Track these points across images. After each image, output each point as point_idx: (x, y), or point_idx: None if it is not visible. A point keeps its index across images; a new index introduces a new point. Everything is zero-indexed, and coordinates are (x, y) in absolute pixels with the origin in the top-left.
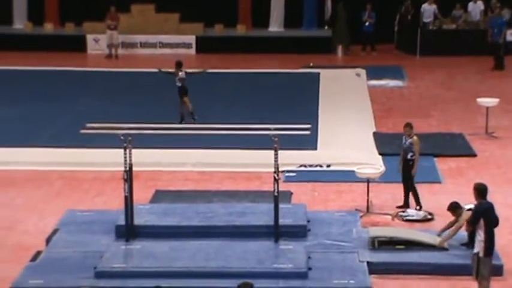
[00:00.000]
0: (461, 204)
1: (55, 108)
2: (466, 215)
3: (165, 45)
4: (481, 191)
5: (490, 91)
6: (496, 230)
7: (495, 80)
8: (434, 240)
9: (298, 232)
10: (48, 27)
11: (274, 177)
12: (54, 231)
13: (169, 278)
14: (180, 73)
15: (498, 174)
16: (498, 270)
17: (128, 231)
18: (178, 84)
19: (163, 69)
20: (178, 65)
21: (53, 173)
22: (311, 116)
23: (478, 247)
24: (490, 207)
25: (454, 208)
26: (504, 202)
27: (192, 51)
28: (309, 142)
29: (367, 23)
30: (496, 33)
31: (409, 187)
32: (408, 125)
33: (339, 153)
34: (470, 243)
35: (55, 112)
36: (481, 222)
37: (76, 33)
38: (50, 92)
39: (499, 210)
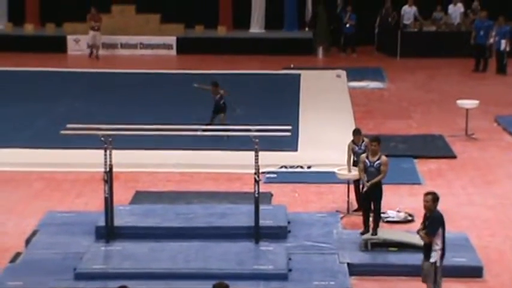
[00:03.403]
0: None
1: (35, 109)
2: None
3: (146, 46)
4: (437, 200)
5: (470, 93)
6: (476, 232)
7: (475, 81)
8: None
9: (279, 233)
10: (29, 28)
11: (255, 179)
12: (34, 233)
13: (150, 279)
14: (217, 95)
15: (477, 176)
16: (478, 272)
17: (108, 232)
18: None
19: (199, 85)
20: (214, 85)
21: (32, 174)
22: (292, 117)
23: (436, 256)
24: (442, 215)
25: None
26: (483, 204)
27: (173, 52)
28: (290, 143)
29: (347, 25)
30: (482, 36)
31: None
32: (357, 131)
33: (320, 154)
34: (425, 253)
35: (35, 113)
36: (439, 231)
37: (56, 34)
38: (29, 92)
39: (478, 212)
